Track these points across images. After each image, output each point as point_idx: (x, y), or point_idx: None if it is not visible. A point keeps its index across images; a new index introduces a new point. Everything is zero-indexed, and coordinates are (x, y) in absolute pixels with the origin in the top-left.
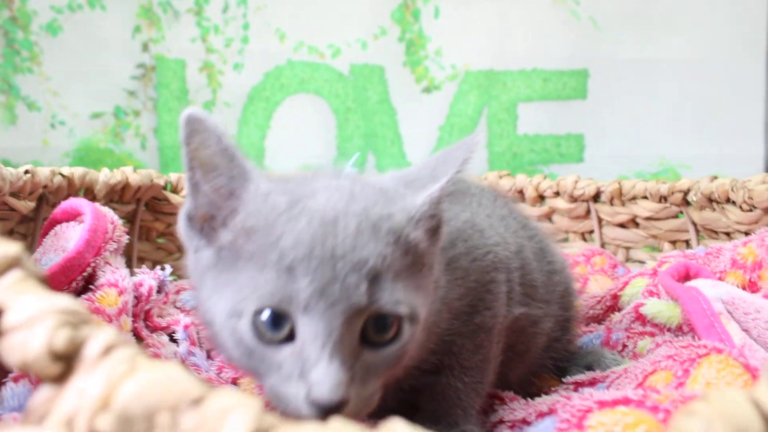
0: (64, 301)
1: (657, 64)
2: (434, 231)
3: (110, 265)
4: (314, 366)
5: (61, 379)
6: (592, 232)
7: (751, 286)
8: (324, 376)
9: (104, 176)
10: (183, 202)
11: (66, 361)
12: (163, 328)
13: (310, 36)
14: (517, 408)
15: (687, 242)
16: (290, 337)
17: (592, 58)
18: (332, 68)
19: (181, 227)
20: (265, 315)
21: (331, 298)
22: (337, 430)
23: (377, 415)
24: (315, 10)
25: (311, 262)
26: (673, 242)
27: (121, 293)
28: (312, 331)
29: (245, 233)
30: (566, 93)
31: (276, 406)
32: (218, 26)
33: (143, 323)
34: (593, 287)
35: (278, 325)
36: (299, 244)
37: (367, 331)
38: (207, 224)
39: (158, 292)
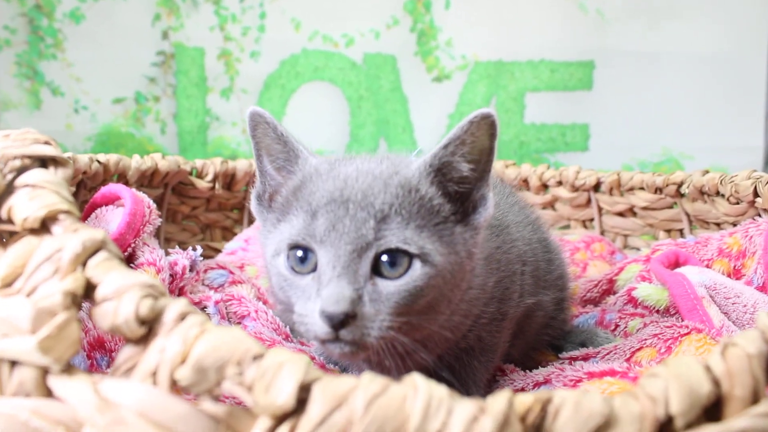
0: (144, 277)
1: (661, 57)
2: (467, 200)
3: (148, 245)
4: (326, 285)
5: (143, 340)
6: (592, 219)
7: (736, 273)
8: (331, 292)
9: (136, 162)
10: (253, 184)
11: (148, 325)
12: (195, 304)
13: (325, 25)
14: (516, 379)
15: (681, 231)
16: (314, 269)
17: (599, 49)
18: (346, 57)
19: (253, 205)
20: (295, 251)
21: (340, 231)
22: (368, 381)
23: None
24: (329, 0)
25: (329, 206)
26: (668, 231)
27: (158, 271)
28: (326, 258)
29: (293, 192)
30: (572, 84)
31: (299, 328)
32: (235, 15)
33: None
34: (592, 272)
35: (305, 260)
36: (323, 195)
37: (382, 266)
38: (273, 200)
39: (190, 270)
